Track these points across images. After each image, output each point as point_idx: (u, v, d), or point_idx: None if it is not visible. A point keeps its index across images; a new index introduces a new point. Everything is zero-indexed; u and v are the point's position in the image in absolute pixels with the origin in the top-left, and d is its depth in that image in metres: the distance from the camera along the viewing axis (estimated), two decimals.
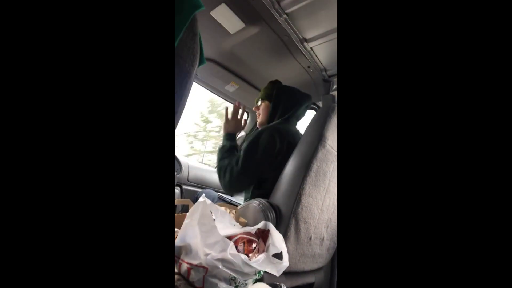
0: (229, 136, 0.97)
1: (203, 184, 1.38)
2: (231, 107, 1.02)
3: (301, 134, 0.93)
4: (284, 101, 0.98)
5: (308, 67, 1.11)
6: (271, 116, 0.99)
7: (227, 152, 0.92)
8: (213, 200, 0.98)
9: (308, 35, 0.94)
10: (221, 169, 0.88)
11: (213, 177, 1.41)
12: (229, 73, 1.19)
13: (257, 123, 1.07)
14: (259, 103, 1.05)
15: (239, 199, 1.04)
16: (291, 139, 0.85)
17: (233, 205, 0.80)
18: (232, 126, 0.98)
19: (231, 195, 0.97)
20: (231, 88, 1.29)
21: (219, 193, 1.05)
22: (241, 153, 0.86)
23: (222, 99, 1.42)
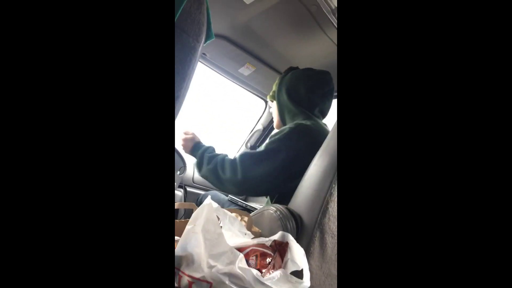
0: (195, 147, 0.78)
1: (211, 187, 1.25)
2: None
3: (328, 129, 0.78)
4: (291, 95, 0.80)
5: None
6: (281, 119, 0.83)
7: (207, 159, 0.74)
8: (222, 205, 0.86)
9: None
10: (211, 170, 0.71)
11: None
12: (244, 52, 1.02)
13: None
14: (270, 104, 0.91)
15: (256, 204, 0.91)
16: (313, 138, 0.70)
17: (247, 210, 0.69)
18: (189, 141, 0.81)
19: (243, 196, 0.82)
20: (246, 71, 1.14)
21: (230, 196, 0.92)
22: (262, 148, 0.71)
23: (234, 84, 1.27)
